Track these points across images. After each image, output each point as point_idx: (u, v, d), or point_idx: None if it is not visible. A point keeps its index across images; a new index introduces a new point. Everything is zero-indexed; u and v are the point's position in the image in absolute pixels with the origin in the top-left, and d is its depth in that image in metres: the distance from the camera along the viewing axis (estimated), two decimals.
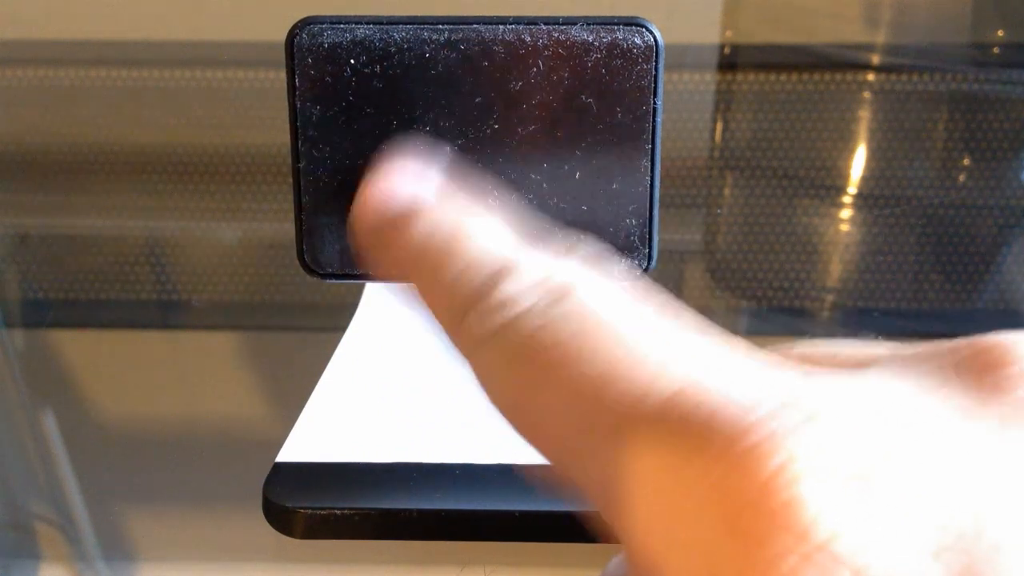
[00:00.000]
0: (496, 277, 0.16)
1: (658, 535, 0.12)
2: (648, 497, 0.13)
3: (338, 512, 0.23)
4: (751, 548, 0.11)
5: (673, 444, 0.12)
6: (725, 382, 0.13)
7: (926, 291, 0.52)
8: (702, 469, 0.12)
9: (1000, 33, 0.55)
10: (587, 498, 0.14)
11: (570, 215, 0.28)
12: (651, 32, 0.26)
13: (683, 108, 0.54)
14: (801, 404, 0.12)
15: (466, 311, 0.16)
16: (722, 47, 0.55)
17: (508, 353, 0.15)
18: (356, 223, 0.19)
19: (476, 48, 0.26)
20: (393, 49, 0.26)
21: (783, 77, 0.54)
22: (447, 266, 0.17)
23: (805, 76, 0.54)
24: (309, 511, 0.23)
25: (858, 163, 0.54)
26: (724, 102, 0.55)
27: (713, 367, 0.13)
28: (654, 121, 0.27)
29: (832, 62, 0.54)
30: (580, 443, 0.14)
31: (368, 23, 0.26)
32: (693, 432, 0.12)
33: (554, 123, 0.27)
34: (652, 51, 0.26)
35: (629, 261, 0.29)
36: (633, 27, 0.26)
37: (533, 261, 0.16)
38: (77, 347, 0.52)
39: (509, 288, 0.15)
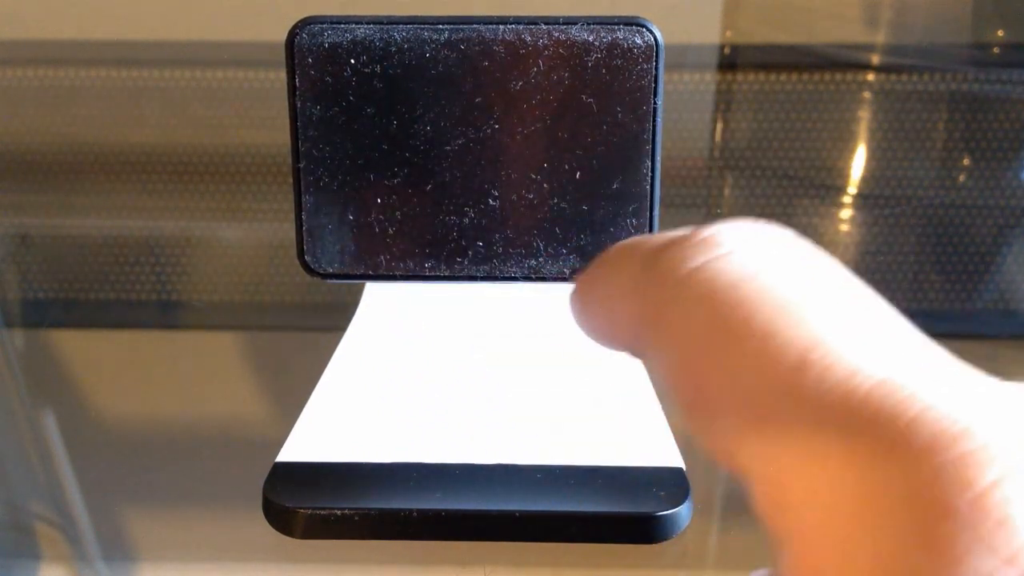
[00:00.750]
0: (705, 230, 0.15)
1: (829, 533, 0.12)
2: (823, 491, 0.12)
3: (338, 512, 0.23)
4: (946, 564, 0.10)
5: (866, 441, 0.11)
6: (928, 384, 0.12)
7: (926, 291, 0.52)
8: (898, 472, 0.11)
9: (1000, 33, 0.55)
10: (749, 481, 0.13)
11: (570, 215, 0.28)
12: (651, 32, 0.26)
13: (683, 108, 0.54)
14: (1012, 416, 0.11)
15: (667, 251, 0.15)
16: (722, 47, 0.55)
17: (704, 295, 0.14)
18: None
19: (476, 48, 0.26)
20: (393, 49, 0.26)
21: (783, 77, 0.54)
22: (656, 237, 0.16)
23: (805, 76, 0.54)
24: (309, 511, 0.23)
25: (858, 163, 0.54)
26: (724, 102, 0.55)
27: (914, 367, 0.12)
28: (654, 121, 0.27)
29: (832, 62, 0.54)
30: (757, 413, 0.13)
31: (368, 23, 0.26)
32: (893, 432, 0.11)
33: (554, 123, 0.27)
34: (652, 51, 0.26)
35: None
36: (633, 27, 0.26)
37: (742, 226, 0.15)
38: (77, 347, 0.52)
39: (721, 233, 0.14)
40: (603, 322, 0.17)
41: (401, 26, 0.26)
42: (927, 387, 0.12)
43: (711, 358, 0.14)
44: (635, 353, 0.16)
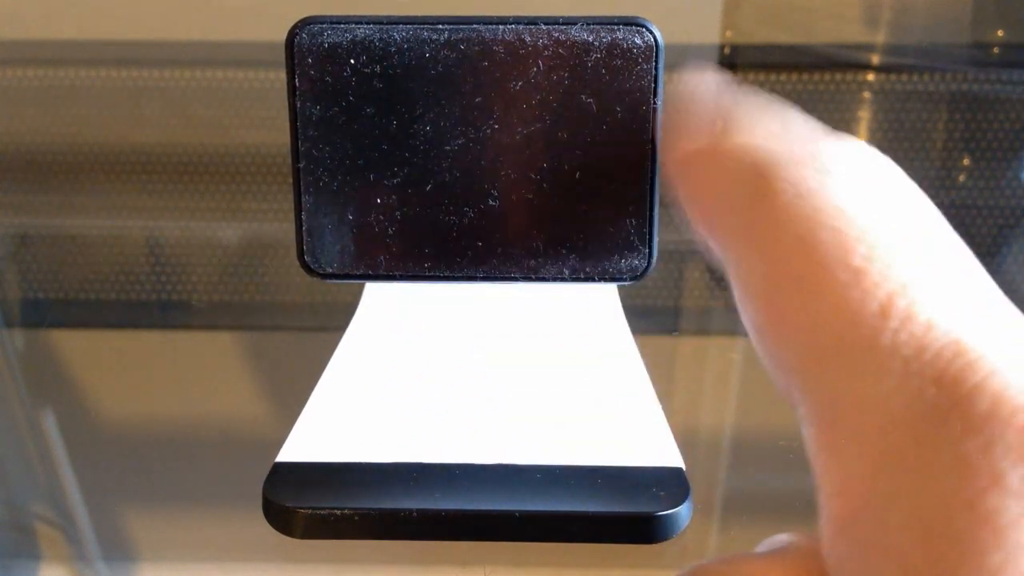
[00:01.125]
0: (820, 137, 0.15)
1: (875, 481, 0.12)
2: (878, 439, 0.12)
3: (338, 512, 0.23)
4: (989, 532, 0.10)
5: (928, 398, 0.12)
6: (999, 349, 0.12)
7: None
8: (955, 435, 0.11)
9: (1000, 33, 0.55)
10: (804, 411, 0.13)
11: (570, 215, 0.28)
12: (651, 32, 0.26)
13: None
14: None
15: (775, 158, 0.15)
16: (722, 47, 0.55)
17: (805, 216, 0.14)
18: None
19: (476, 48, 0.26)
20: (393, 49, 0.26)
21: (783, 77, 0.54)
22: (772, 118, 0.16)
23: (805, 76, 0.54)
24: (309, 511, 0.23)
25: None
26: None
27: (989, 328, 0.12)
28: (654, 121, 0.27)
29: (832, 62, 0.54)
30: (832, 346, 0.13)
31: (368, 23, 0.26)
32: (955, 394, 0.11)
33: (554, 123, 0.27)
34: (652, 51, 0.26)
35: (629, 261, 0.29)
36: (633, 27, 0.26)
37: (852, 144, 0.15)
38: (77, 347, 0.52)
39: (831, 149, 0.15)
40: (701, 215, 0.17)
41: (401, 26, 0.26)
42: (997, 352, 0.12)
43: (800, 282, 0.13)
44: (717, 250, 0.16)
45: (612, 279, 0.29)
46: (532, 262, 0.29)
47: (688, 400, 0.45)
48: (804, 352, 0.13)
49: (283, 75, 0.26)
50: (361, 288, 0.31)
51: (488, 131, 0.27)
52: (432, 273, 0.29)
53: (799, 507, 0.38)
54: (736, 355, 0.48)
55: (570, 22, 0.26)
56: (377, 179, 0.27)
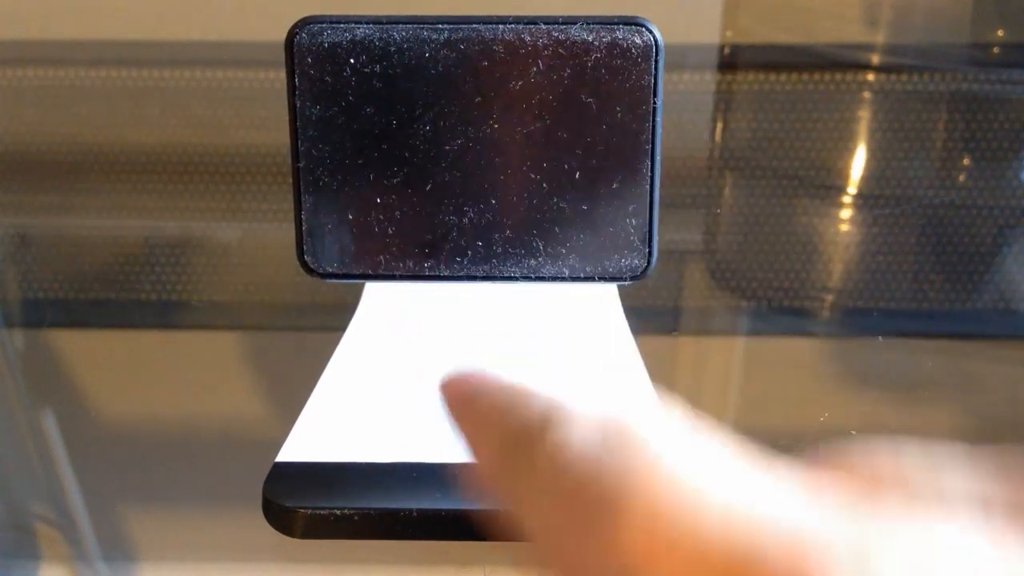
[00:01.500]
0: (551, 418, 0.16)
1: None
2: None
3: (338, 512, 0.23)
4: None
5: None
6: (767, 521, 0.13)
7: (926, 291, 0.52)
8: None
9: (1000, 33, 0.55)
10: None
11: (570, 215, 0.28)
12: (651, 32, 0.26)
13: (683, 108, 0.54)
14: (846, 548, 0.12)
15: (517, 449, 0.16)
16: (722, 47, 0.55)
17: (554, 494, 0.15)
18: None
19: (476, 48, 0.26)
20: (393, 49, 0.26)
21: (783, 77, 0.54)
22: (506, 410, 0.17)
23: (805, 76, 0.54)
24: (309, 511, 0.23)
25: (858, 163, 0.54)
26: (724, 102, 0.55)
27: (755, 505, 0.13)
28: (654, 121, 0.27)
29: (832, 62, 0.54)
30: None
31: (368, 23, 0.26)
32: (732, 571, 0.12)
33: (554, 123, 0.27)
34: (652, 51, 0.26)
35: (629, 261, 0.29)
36: (633, 27, 0.26)
37: (589, 407, 0.16)
38: (77, 347, 0.52)
39: (563, 430, 0.16)
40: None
41: (401, 26, 0.26)
42: (764, 525, 0.13)
43: (567, 540, 0.15)
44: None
45: (612, 279, 0.29)
46: (532, 262, 0.28)
47: (688, 400, 0.45)
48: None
49: (283, 75, 0.26)
50: (361, 288, 0.31)
51: (488, 131, 0.27)
52: (432, 273, 0.29)
53: None
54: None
55: (570, 22, 0.26)
56: (377, 179, 0.27)
